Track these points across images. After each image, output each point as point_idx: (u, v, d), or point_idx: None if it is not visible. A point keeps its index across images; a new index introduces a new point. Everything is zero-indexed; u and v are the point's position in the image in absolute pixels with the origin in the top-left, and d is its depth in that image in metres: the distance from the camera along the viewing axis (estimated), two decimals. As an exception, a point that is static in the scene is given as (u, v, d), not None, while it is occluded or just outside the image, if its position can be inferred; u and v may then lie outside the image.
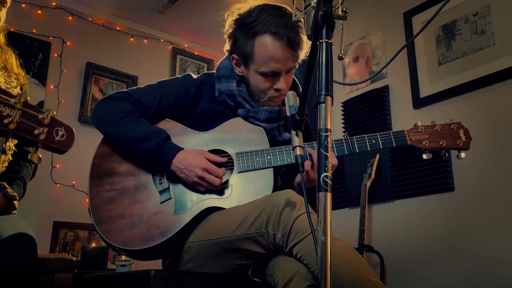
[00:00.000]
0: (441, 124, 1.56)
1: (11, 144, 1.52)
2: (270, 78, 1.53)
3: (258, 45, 1.50)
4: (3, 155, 1.46)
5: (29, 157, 0.77)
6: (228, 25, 1.59)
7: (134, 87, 1.66)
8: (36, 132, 0.75)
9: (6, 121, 0.71)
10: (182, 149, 1.49)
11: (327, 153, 0.88)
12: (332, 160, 1.44)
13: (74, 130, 0.81)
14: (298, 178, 1.58)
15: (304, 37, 1.51)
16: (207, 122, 1.60)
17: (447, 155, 1.55)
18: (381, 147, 1.52)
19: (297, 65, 1.58)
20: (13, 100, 0.72)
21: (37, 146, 0.77)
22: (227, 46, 1.63)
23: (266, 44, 1.48)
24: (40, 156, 0.78)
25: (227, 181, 1.51)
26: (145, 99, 1.57)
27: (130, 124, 1.50)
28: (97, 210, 1.47)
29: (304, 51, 1.55)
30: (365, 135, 1.54)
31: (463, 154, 1.53)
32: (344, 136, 1.53)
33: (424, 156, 1.52)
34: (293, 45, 1.49)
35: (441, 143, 1.52)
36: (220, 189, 1.50)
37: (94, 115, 1.58)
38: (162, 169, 1.51)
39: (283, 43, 1.47)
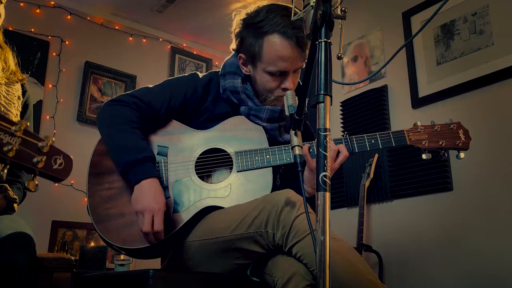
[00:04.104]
0: (441, 124, 1.55)
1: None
2: (278, 78, 1.53)
3: (267, 44, 1.50)
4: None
5: (26, 185, 0.76)
6: (236, 24, 1.59)
7: (142, 88, 1.62)
8: (34, 160, 0.74)
9: (5, 148, 0.70)
10: (157, 177, 1.45)
11: (326, 152, 0.88)
12: (344, 151, 1.44)
13: (72, 158, 0.79)
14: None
15: None
16: (209, 121, 1.60)
17: (446, 155, 1.55)
18: (381, 147, 1.51)
19: (304, 65, 1.57)
20: (13, 127, 0.71)
21: (35, 174, 0.76)
22: (233, 45, 1.63)
23: (275, 44, 1.49)
24: (37, 183, 0.77)
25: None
26: (155, 101, 1.56)
27: (120, 133, 1.49)
28: (96, 208, 1.46)
29: None
30: (364, 134, 1.53)
31: (462, 154, 1.52)
32: (343, 135, 1.53)
33: (424, 156, 1.52)
34: (302, 45, 1.49)
35: (440, 143, 1.52)
36: (219, 188, 1.50)
37: (98, 115, 1.59)
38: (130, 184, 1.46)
39: (292, 43, 1.47)
